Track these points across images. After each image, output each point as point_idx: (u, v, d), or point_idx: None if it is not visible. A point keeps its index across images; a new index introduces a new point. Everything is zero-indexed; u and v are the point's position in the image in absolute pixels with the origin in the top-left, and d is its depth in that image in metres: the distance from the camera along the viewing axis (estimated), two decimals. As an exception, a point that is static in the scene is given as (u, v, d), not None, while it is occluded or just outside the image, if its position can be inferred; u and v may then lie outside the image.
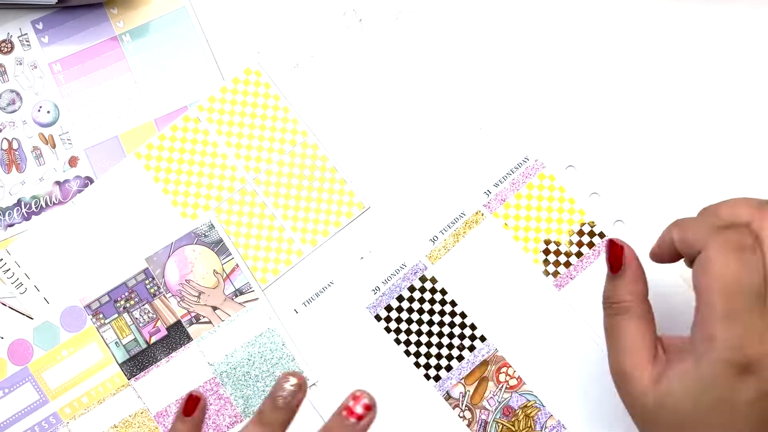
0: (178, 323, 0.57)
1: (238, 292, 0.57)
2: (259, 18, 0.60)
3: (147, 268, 0.58)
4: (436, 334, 0.56)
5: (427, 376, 0.56)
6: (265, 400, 0.45)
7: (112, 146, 0.59)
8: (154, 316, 0.57)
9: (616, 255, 0.46)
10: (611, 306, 0.45)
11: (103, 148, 0.59)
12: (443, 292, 0.56)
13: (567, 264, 0.55)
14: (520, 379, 0.54)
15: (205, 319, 0.57)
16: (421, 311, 0.56)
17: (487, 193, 0.56)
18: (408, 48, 0.59)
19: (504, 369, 0.55)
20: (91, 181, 0.59)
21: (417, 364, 0.56)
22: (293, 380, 0.45)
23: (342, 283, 0.57)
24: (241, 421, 0.56)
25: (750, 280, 0.39)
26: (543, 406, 0.54)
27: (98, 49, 0.60)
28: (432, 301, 0.56)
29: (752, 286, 0.39)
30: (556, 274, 0.55)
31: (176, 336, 0.57)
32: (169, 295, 0.57)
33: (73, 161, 0.59)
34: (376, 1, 0.59)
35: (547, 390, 0.54)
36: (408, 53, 0.59)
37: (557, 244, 0.55)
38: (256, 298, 0.57)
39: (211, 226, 0.58)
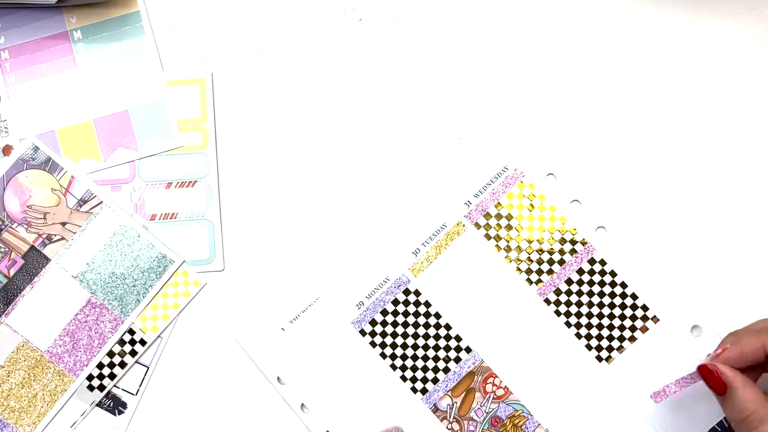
0: (32, 248, 0.57)
1: (82, 201, 0.58)
2: (259, 18, 0.59)
3: (-15, 207, 0.58)
4: (422, 347, 0.55)
5: (414, 389, 0.55)
6: None
7: (48, 140, 0.58)
8: (6, 249, 0.57)
9: (716, 381, 0.46)
10: (746, 421, 0.45)
11: (40, 140, 0.58)
12: (427, 304, 0.55)
13: (550, 272, 0.55)
14: (507, 388, 0.55)
15: (57, 237, 0.57)
16: (405, 324, 0.56)
17: (468, 203, 0.56)
18: (408, 48, 0.58)
19: (491, 379, 0.55)
20: None
21: (404, 378, 0.55)
22: None
23: (327, 299, 0.55)
24: (121, 323, 0.57)
25: None
26: (531, 415, 0.55)
27: (48, 42, 0.59)
28: (416, 314, 0.55)
29: None
30: (539, 282, 0.55)
31: (34, 261, 0.57)
32: (15, 224, 0.58)
33: (6, 150, 0.58)
34: (376, 1, 0.58)
35: (535, 399, 0.55)
36: (407, 53, 0.58)
37: (539, 252, 0.55)
38: (101, 201, 0.57)
39: (36, 148, 0.58)
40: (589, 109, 0.57)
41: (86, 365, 0.56)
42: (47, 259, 0.57)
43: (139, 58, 0.58)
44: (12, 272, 0.57)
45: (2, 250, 0.57)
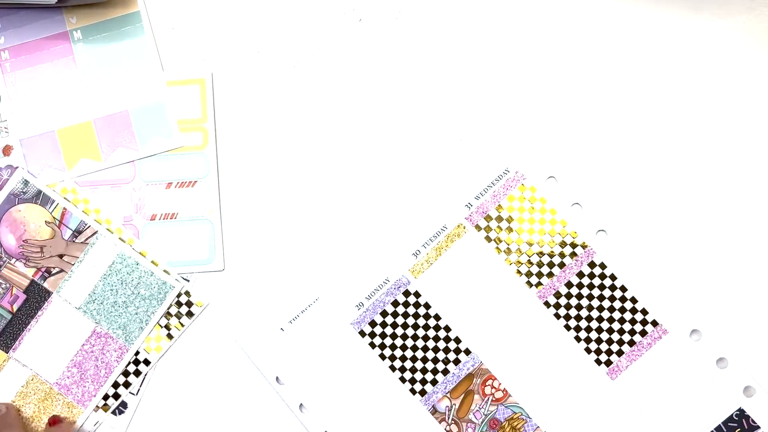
0: (33, 283, 0.57)
1: (76, 232, 0.58)
2: (259, 18, 0.59)
3: (-19, 246, 0.58)
4: (421, 349, 0.55)
5: (413, 391, 0.55)
6: None
7: (48, 140, 0.58)
8: (7, 285, 0.58)
9: None
10: None
11: (39, 140, 0.58)
12: (427, 306, 0.55)
13: (550, 275, 0.55)
14: (506, 391, 0.55)
15: (56, 269, 0.58)
16: (405, 326, 0.56)
17: (469, 206, 0.56)
18: (408, 48, 0.58)
19: (489, 381, 0.55)
20: None
21: (402, 379, 0.55)
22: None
23: (327, 300, 0.56)
24: (126, 351, 0.57)
25: None
26: (529, 417, 0.55)
27: (48, 42, 0.59)
28: (416, 316, 0.55)
29: None
30: (539, 285, 0.55)
31: (36, 295, 0.57)
32: (13, 260, 0.58)
33: (6, 150, 0.58)
34: (376, 1, 0.58)
35: (533, 401, 0.55)
36: (407, 53, 0.58)
37: (540, 255, 0.55)
38: (95, 231, 0.57)
39: (26, 182, 0.58)
40: (590, 112, 0.57)
41: (94, 395, 0.57)
42: (49, 292, 0.57)
43: (139, 59, 0.58)
44: (15, 307, 0.57)
45: (3, 286, 0.57)
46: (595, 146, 0.57)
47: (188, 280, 0.57)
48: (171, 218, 0.57)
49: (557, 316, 0.55)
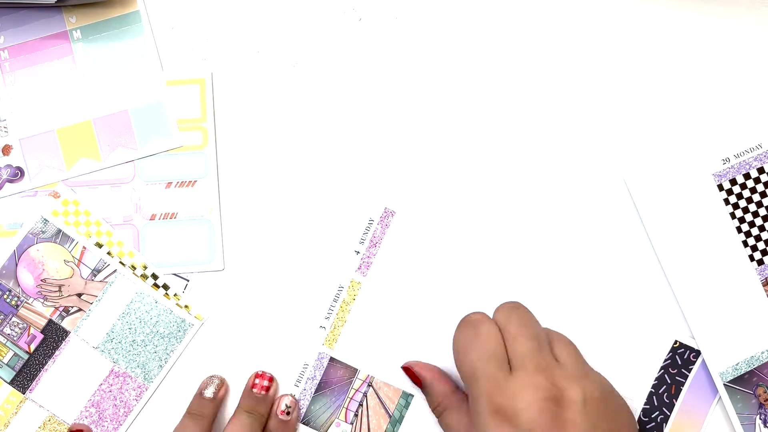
0: (50, 322, 0.57)
1: (95, 271, 0.57)
2: (259, 18, 0.59)
3: (0, 284, 0.57)
4: None
5: (752, 258, 0.55)
6: (192, 398, 0.55)
7: (47, 140, 0.58)
8: (25, 325, 0.57)
9: (414, 378, 0.55)
10: (436, 410, 0.54)
11: (39, 140, 0.58)
12: None
13: None
14: None
15: (74, 309, 0.57)
16: (764, 195, 0.56)
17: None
18: (407, 48, 0.58)
19: None
20: (22, 171, 0.58)
21: (745, 243, 0.55)
22: (216, 379, 0.55)
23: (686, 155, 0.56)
24: (145, 390, 0.56)
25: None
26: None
27: (47, 41, 0.59)
28: None
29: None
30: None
31: (53, 335, 0.57)
32: (31, 299, 0.57)
33: (6, 149, 0.58)
34: (376, 1, 0.58)
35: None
36: (407, 53, 0.58)
37: None
38: (114, 270, 0.57)
39: (45, 221, 0.57)
40: (590, 112, 0.57)
41: None
42: (66, 332, 0.57)
43: (138, 58, 0.58)
44: (33, 347, 0.57)
45: (21, 326, 0.57)
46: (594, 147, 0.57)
47: (188, 280, 0.57)
48: (170, 218, 0.57)
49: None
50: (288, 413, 0.54)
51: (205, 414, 0.54)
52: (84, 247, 0.57)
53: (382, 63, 0.58)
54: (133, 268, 0.57)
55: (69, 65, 0.58)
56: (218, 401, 0.55)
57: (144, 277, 0.57)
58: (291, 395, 0.55)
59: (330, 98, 0.58)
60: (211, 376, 0.55)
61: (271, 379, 0.55)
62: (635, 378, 0.55)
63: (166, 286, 0.57)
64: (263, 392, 0.54)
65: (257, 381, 0.54)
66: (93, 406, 0.56)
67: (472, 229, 0.57)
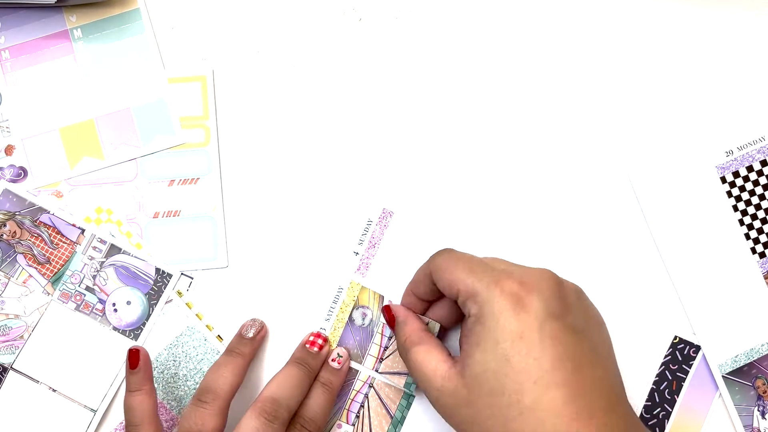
0: None
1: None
2: (259, 18, 0.59)
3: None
4: None
5: (753, 251, 0.56)
6: (232, 338, 0.56)
7: (50, 139, 0.58)
8: None
9: (389, 317, 0.54)
10: (404, 346, 0.52)
11: (42, 139, 0.58)
12: None
13: None
14: None
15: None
16: (767, 187, 0.56)
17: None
18: (407, 48, 0.58)
19: None
20: (25, 171, 0.58)
21: (747, 236, 0.56)
22: (257, 322, 0.56)
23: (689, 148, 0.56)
24: (176, 423, 0.56)
25: None
26: None
27: (48, 41, 0.59)
28: None
29: None
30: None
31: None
32: None
33: (9, 149, 0.58)
34: (376, 1, 0.58)
35: None
36: (407, 53, 0.58)
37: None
38: (170, 300, 0.57)
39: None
40: (590, 112, 0.57)
41: None
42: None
43: (140, 56, 0.58)
44: None
45: None
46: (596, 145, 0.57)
47: (192, 278, 0.57)
48: (174, 216, 0.57)
49: None
50: (339, 363, 0.55)
51: (244, 352, 0.55)
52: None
53: (382, 63, 0.58)
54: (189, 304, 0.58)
55: (70, 64, 0.58)
56: (257, 342, 0.56)
57: (199, 316, 0.57)
58: (345, 347, 0.56)
59: (330, 98, 0.58)
60: (253, 319, 0.56)
61: (326, 340, 0.56)
62: (636, 375, 0.55)
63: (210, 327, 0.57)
64: (316, 349, 0.55)
65: (312, 338, 0.55)
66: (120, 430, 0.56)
67: (471, 228, 0.57)
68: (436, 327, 0.53)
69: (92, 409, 0.56)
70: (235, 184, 0.57)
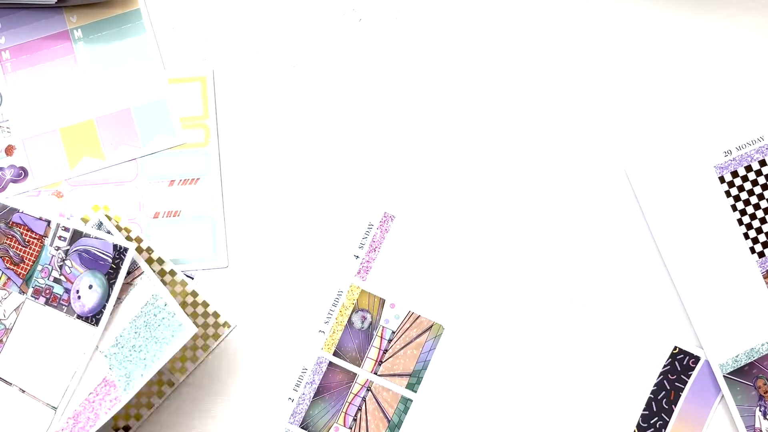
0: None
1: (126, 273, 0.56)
2: (259, 18, 0.59)
3: None
4: None
5: (752, 250, 0.56)
6: None
7: (51, 139, 0.58)
8: None
9: None
10: None
11: (42, 139, 0.58)
12: None
13: None
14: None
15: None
16: (765, 187, 0.56)
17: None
18: (408, 48, 0.58)
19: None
20: (25, 171, 0.58)
21: (746, 236, 0.55)
22: None
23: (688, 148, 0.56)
24: (118, 403, 0.53)
25: None
26: None
27: (48, 41, 0.59)
28: None
29: None
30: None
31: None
32: None
33: (9, 150, 0.58)
34: (376, 1, 0.58)
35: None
36: (407, 53, 0.58)
37: None
38: (142, 272, 0.55)
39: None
40: (590, 112, 0.57)
41: None
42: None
43: (140, 56, 0.58)
44: None
45: None
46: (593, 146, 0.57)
47: (192, 278, 0.57)
48: (174, 216, 0.57)
49: None
50: None
51: None
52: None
53: (382, 63, 0.58)
54: (151, 261, 0.57)
55: (70, 64, 0.58)
56: None
57: (163, 272, 0.57)
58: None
59: (330, 99, 0.58)
60: None
61: None
62: (634, 383, 0.55)
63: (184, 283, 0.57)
64: None
65: None
66: (72, 417, 0.54)
67: (472, 231, 0.57)
68: None
69: (53, 407, 0.55)
70: (235, 184, 0.58)
